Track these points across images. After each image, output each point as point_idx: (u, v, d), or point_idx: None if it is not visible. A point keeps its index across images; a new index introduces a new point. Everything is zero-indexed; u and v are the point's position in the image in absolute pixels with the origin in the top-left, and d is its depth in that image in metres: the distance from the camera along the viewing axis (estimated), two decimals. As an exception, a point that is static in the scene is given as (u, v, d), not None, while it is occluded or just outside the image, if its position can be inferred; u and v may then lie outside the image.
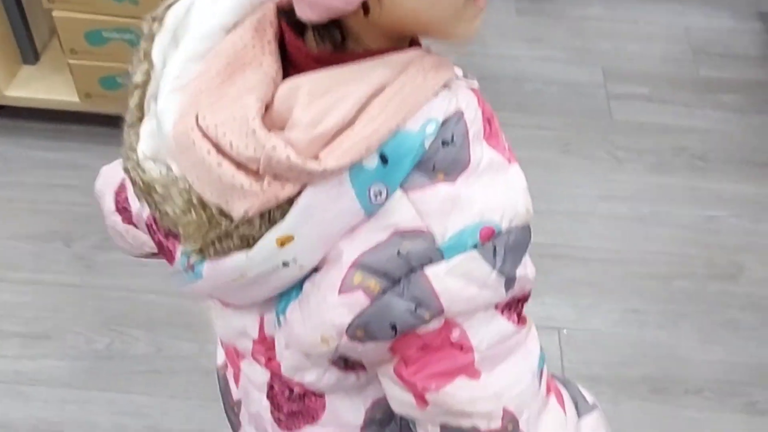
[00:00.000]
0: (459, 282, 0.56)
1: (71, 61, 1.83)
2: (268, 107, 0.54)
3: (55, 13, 1.75)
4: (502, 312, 0.59)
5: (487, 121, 0.59)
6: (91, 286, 1.71)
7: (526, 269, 0.60)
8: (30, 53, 2.01)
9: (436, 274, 0.55)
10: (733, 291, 1.76)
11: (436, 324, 0.57)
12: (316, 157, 0.52)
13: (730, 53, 2.40)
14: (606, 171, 1.99)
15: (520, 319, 0.62)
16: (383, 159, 0.53)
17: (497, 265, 0.56)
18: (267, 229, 0.54)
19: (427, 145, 0.54)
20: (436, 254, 0.55)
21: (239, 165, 0.53)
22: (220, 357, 0.85)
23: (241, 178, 0.53)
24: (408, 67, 0.55)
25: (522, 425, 0.62)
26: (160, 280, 1.70)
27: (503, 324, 0.60)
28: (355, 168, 0.53)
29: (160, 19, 0.61)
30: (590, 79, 2.25)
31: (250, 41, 0.57)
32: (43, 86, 1.97)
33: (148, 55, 0.61)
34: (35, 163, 1.95)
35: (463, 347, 0.58)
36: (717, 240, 1.87)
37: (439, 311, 0.56)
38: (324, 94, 0.53)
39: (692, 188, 2.00)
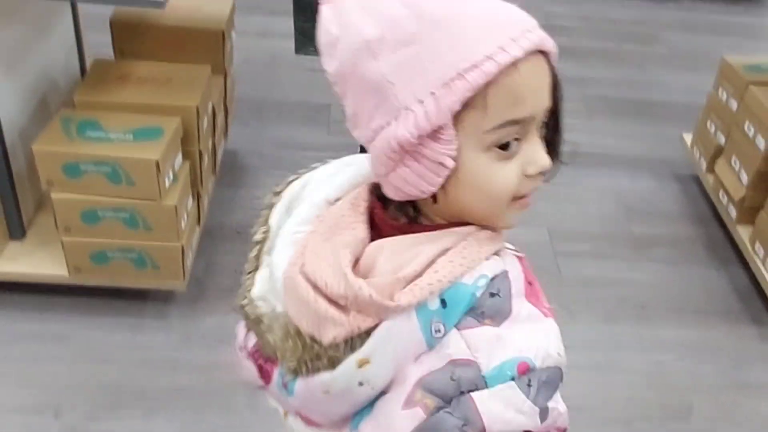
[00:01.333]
0: (499, 405, 0.67)
1: (65, 239, 1.94)
2: (358, 260, 0.70)
3: (53, 195, 1.87)
4: None
5: (528, 282, 0.73)
6: (83, 456, 1.74)
7: (558, 404, 0.70)
8: (18, 229, 2.10)
9: (480, 397, 0.67)
10: (687, 429, 1.92)
11: None
12: (391, 298, 0.66)
13: (656, 211, 2.69)
14: (560, 323, 2.17)
15: None
16: (443, 303, 0.68)
17: (531, 395, 0.68)
18: (349, 353, 0.68)
19: (478, 295, 0.69)
20: (481, 381, 0.67)
21: (331, 301, 0.68)
22: None
23: (333, 312, 0.67)
24: (467, 236, 0.71)
25: None
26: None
27: None
28: (421, 308, 0.67)
29: (279, 192, 0.81)
30: (537, 239, 2.48)
31: (348, 211, 0.75)
32: (30, 261, 2.05)
33: (267, 220, 0.79)
34: (21, 336, 2.00)
35: None
36: (666, 382, 2.05)
37: (482, 429, 0.67)
38: (402, 252, 0.69)
39: (639, 335, 2.19)
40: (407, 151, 0.67)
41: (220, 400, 1.85)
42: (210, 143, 2.26)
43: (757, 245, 2.29)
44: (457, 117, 0.65)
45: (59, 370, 1.92)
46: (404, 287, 0.67)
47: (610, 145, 2.99)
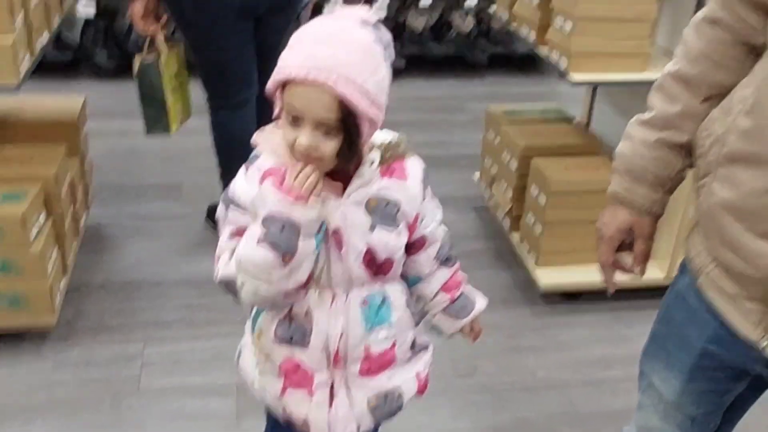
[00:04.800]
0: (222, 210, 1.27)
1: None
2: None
3: (-66, 255, 2.26)
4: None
5: (282, 175, 1.13)
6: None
7: (225, 218, 1.26)
8: None
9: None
10: (472, 383, 2.43)
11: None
12: None
13: (456, 234, 3.24)
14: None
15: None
16: None
17: (223, 217, 1.27)
18: None
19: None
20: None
21: None
22: None
23: None
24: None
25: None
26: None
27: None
28: None
29: None
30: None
31: None
32: None
33: None
34: None
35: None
36: (456, 351, 2.56)
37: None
38: None
39: (439, 324, 2.72)
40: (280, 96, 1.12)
41: (90, 406, 2.24)
42: (70, 208, 2.71)
43: (524, 243, 2.90)
44: (284, 89, 1.10)
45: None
46: None
47: (421, 191, 3.59)
